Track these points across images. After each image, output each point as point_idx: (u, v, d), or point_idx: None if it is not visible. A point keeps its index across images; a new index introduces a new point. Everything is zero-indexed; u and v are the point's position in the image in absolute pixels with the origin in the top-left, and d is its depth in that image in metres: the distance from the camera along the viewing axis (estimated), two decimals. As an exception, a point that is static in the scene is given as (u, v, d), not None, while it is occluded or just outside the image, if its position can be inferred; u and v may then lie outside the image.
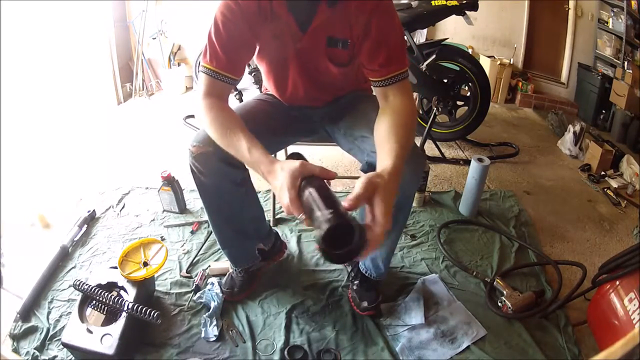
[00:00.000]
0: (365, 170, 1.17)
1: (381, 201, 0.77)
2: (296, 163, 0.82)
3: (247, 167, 1.07)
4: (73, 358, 1.20)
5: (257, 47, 1.14)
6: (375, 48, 1.06)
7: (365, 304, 1.37)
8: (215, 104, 1.02)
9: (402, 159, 0.88)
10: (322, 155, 2.34)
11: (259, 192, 1.87)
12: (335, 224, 0.70)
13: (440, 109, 2.36)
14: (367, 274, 1.39)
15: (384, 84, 1.07)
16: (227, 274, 1.47)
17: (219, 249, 1.62)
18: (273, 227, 1.64)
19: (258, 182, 1.26)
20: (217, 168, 1.11)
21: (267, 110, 1.29)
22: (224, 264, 1.52)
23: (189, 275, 1.52)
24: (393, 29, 1.07)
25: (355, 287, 1.41)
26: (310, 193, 0.78)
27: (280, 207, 1.87)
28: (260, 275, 1.49)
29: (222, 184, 1.17)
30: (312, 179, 0.82)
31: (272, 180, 0.86)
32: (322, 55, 1.14)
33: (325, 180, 0.83)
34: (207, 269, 1.54)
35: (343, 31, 1.08)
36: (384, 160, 0.87)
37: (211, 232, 1.70)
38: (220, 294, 1.39)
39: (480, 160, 1.82)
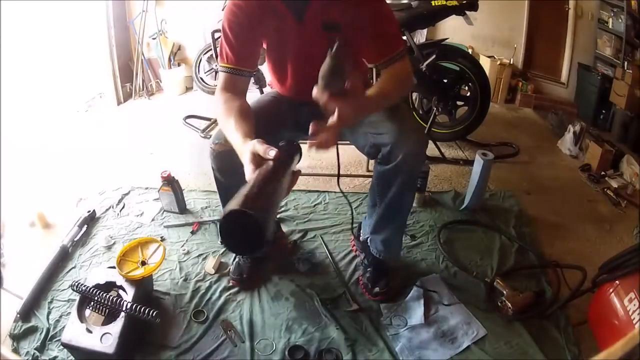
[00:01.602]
0: (370, 154, 1.26)
1: (345, 105, 0.88)
2: (258, 145, 0.86)
3: None
4: (73, 358, 1.20)
5: (266, 42, 1.22)
6: (366, 35, 1.13)
7: (377, 289, 1.41)
8: (227, 97, 1.12)
9: (377, 102, 1.03)
10: (323, 154, 2.34)
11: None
12: (236, 210, 0.67)
13: (440, 109, 2.36)
14: (379, 257, 1.42)
15: (383, 66, 1.15)
16: (234, 262, 1.51)
17: (219, 248, 1.63)
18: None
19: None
20: (238, 165, 1.14)
21: (272, 107, 1.33)
22: (219, 259, 1.56)
23: (188, 275, 1.52)
24: (381, 14, 1.13)
25: (367, 274, 1.45)
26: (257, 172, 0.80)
27: (282, 207, 1.87)
28: (265, 262, 1.52)
29: (241, 181, 1.19)
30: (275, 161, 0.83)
31: (242, 159, 0.90)
32: (319, 42, 1.17)
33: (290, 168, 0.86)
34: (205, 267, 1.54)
35: (336, 15, 1.14)
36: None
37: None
38: (220, 293, 1.40)
39: (484, 154, 1.82)
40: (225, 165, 1.18)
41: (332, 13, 1.13)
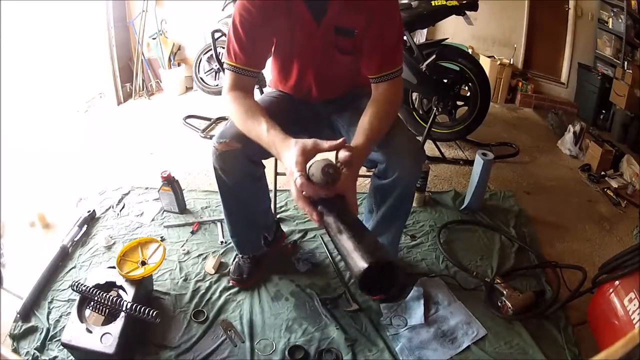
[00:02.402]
0: (367, 166, 1.29)
1: (353, 167, 0.93)
2: (309, 140, 0.90)
3: (263, 159, 1.21)
4: (73, 358, 1.20)
5: (275, 41, 1.20)
6: (373, 46, 1.13)
7: None
8: (239, 95, 1.10)
9: (373, 142, 1.04)
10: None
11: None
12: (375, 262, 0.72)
13: (440, 109, 2.36)
14: None
15: (377, 80, 1.15)
16: (234, 262, 1.51)
17: (219, 248, 1.63)
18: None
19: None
20: (241, 165, 1.17)
21: (277, 107, 1.33)
22: (219, 259, 1.56)
23: (188, 275, 1.52)
24: (392, 29, 1.12)
25: None
26: (336, 224, 0.81)
27: (282, 207, 1.87)
28: (265, 262, 1.52)
29: (243, 180, 1.23)
30: (331, 202, 0.85)
31: (285, 153, 0.92)
32: (331, 44, 1.18)
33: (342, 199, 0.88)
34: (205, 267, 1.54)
35: (350, 20, 1.13)
36: (359, 139, 1.02)
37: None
38: (220, 293, 1.40)
39: (484, 154, 1.82)
40: (228, 165, 1.17)
41: (348, 18, 1.12)
